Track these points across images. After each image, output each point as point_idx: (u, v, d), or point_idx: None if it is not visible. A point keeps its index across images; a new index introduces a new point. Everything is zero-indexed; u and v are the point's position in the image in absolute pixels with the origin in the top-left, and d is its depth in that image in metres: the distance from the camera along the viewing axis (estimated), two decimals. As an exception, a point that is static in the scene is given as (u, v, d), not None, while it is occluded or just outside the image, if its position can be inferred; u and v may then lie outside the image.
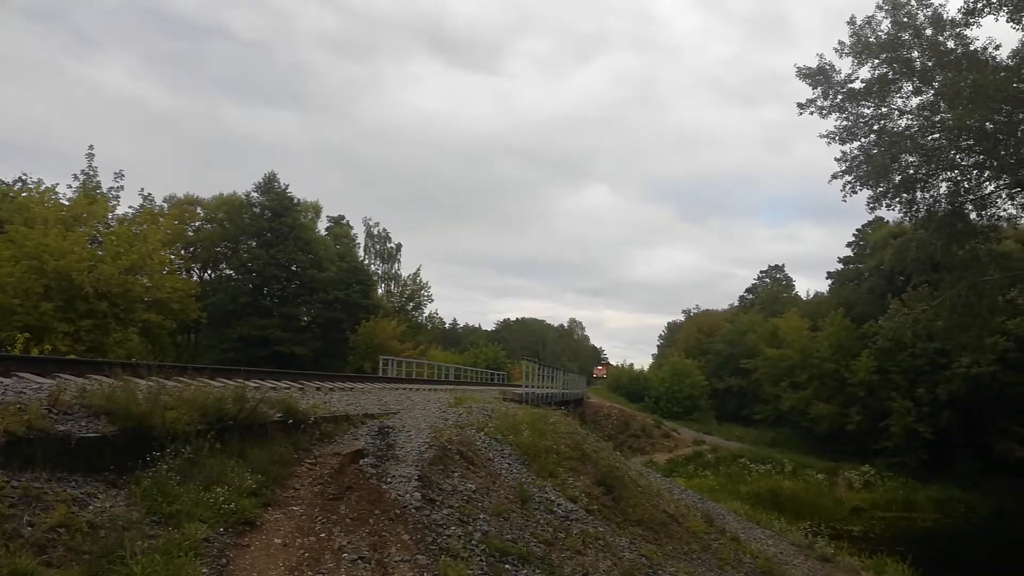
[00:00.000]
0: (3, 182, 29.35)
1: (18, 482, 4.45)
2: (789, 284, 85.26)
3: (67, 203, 26.04)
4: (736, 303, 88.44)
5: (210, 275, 48.66)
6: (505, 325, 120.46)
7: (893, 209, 29.14)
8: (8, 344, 17.62)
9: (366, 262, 62.00)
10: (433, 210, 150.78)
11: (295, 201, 48.95)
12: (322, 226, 57.62)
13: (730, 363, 66.29)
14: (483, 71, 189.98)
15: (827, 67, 27.56)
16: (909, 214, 29.20)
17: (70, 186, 27.89)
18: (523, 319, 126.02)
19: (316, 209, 57.19)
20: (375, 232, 67.42)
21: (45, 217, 23.41)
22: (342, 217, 61.35)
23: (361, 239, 64.82)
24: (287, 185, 47.82)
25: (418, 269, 67.32)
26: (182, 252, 42.61)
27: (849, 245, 63.47)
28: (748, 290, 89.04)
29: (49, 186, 26.54)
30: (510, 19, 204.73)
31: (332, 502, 6.48)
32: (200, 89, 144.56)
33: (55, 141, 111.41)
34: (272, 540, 5.49)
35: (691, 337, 78.66)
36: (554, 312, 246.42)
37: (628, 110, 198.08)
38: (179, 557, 4.51)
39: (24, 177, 28.39)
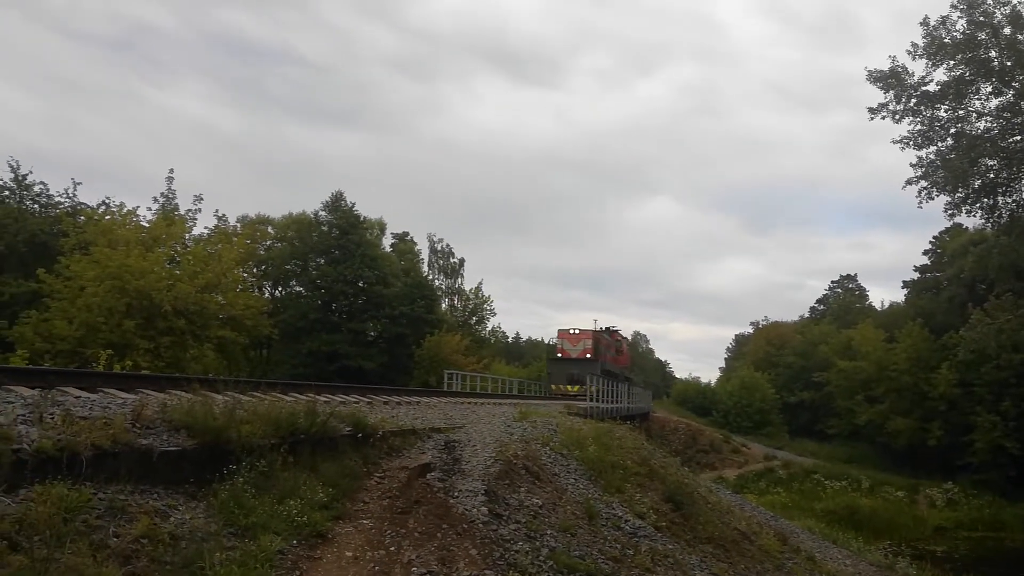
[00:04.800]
0: (88, 206, 30.82)
1: (104, 494, 4.64)
2: (862, 294, 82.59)
3: (147, 225, 27.18)
4: (807, 314, 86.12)
5: (281, 292, 50.02)
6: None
7: (973, 215, 28.14)
8: (93, 361, 18.41)
9: (430, 277, 62.78)
10: (495, 224, 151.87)
11: (361, 219, 49.98)
12: (387, 242, 58.72)
13: (802, 376, 64.51)
14: (544, 86, 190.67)
15: (899, 70, 26.80)
16: (991, 220, 28.08)
17: (150, 208, 29.14)
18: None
19: (381, 226, 58.32)
20: (438, 248, 68.30)
21: (127, 239, 24.44)
22: (406, 233, 62.41)
23: (425, 255, 65.74)
24: (353, 203, 48.92)
25: (480, 283, 67.78)
26: (254, 270, 43.94)
27: (926, 253, 61.21)
28: (819, 301, 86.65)
29: (130, 209, 27.77)
30: (571, 34, 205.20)
31: (401, 516, 6.55)
32: (268, 112, 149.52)
33: (135, 166, 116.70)
34: (343, 553, 5.58)
35: (760, 349, 76.89)
36: (618, 325, 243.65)
37: (691, 120, 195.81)
38: (255, 568, 4.63)
39: (107, 200, 29.76)
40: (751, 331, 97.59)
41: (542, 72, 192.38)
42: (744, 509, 18.23)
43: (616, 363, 47.12)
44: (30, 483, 4.28)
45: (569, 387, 36.90)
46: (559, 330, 42.74)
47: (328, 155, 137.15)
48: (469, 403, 17.12)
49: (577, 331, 40.54)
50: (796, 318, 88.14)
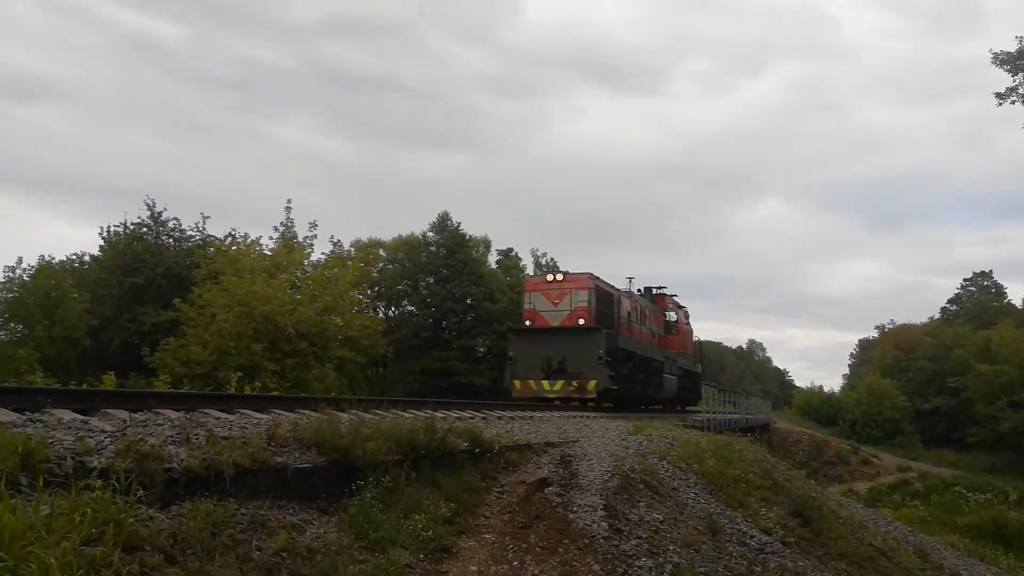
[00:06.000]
0: (216, 238, 32.92)
1: (246, 510, 4.92)
2: (1000, 291, 76.51)
3: (269, 253, 28.76)
4: (937, 315, 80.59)
5: (394, 312, 51.55)
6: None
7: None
8: (225, 383, 19.58)
9: (537, 292, 62.89)
10: (599, 236, 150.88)
11: (467, 237, 50.95)
12: (492, 259, 59.47)
13: (935, 381, 60.54)
14: (645, 94, 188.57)
15: (1030, 49, 24.86)
16: None
17: (271, 237, 30.84)
18: (698, 342, 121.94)
19: (486, 243, 59.13)
20: (543, 262, 68.48)
21: (252, 267, 25.97)
22: (511, 249, 62.88)
23: (530, 269, 66.08)
24: (459, 223, 49.97)
25: (587, 296, 67.27)
26: (368, 292, 45.56)
27: (1072, 243, 56.23)
28: (951, 300, 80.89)
29: (254, 239, 29.49)
30: (671, 41, 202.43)
31: (521, 530, 6.61)
32: (376, 139, 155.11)
33: (254, 197, 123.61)
34: (468, 567, 5.68)
35: (887, 354, 72.68)
36: (732, 334, 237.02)
37: (800, 118, 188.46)
38: (386, 582, 4.79)
39: (233, 232, 31.72)
40: (876, 335, 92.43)
41: (643, 80, 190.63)
42: (879, 524, 17.23)
43: (664, 344, 29.06)
44: (181, 500, 4.61)
45: (546, 383, 20.78)
46: (526, 278, 26.22)
47: (434, 177, 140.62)
48: (581, 417, 17.04)
49: (560, 277, 22.17)
50: (926, 320, 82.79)
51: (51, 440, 4.58)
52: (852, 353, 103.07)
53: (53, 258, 32.45)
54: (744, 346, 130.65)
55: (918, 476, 42.83)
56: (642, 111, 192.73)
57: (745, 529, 9.28)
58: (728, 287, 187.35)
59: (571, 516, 7.06)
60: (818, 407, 65.86)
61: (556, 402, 20.47)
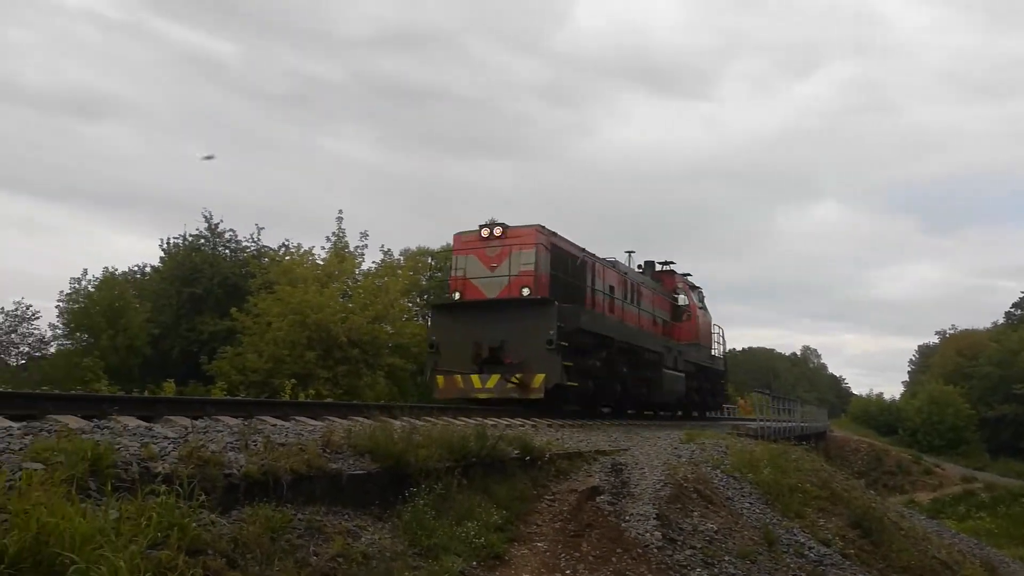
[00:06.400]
0: (270, 248, 33.62)
1: (303, 515, 5.02)
2: (1070, 294, 73.56)
3: (322, 263, 29.26)
4: (1002, 320, 77.74)
5: (442, 319, 51.93)
6: (731, 355, 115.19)
7: None
8: (280, 390, 19.97)
9: (585, 299, 62.63)
10: (648, 240, 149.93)
11: (515, 245, 51.14)
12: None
13: (1000, 388, 58.33)
14: (693, 97, 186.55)
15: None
16: None
17: (323, 247, 31.36)
18: (750, 348, 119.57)
19: (535, 250, 59.27)
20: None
21: (305, 276, 26.46)
22: (560, 256, 62.95)
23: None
24: (507, 229, 50.18)
25: (637, 302, 66.70)
26: (418, 299, 45.99)
27: None
28: (1016, 304, 77.96)
29: (307, 249, 30.03)
30: (719, 43, 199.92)
31: (573, 539, 6.58)
32: (427, 149, 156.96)
33: (309, 208, 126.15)
34: (520, 575, 5.68)
35: (949, 361, 70.32)
36: (785, 340, 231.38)
37: (855, 119, 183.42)
38: (440, 588, 4.83)
39: (287, 242, 32.35)
40: (937, 341, 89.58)
41: (691, 84, 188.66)
42: (943, 536, 16.69)
43: (669, 332, 23.22)
44: (241, 505, 4.72)
45: (475, 378, 15.17)
46: (455, 235, 17.01)
47: (483, 185, 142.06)
48: (632, 425, 16.92)
49: (498, 231, 15.83)
50: (989, 325, 79.94)
51: (118, 446, 4.74)
52: (911, 359, 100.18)
53: (116, 269, 33.55)
54: (798, 352, 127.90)
55: (984, 487, 41.37)
56: (691, 114, 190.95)
57: (803, 540, 9.09)
58: (781, 292, 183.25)
59: (623, 525, 7.01)
60: (876, 415, 64.14)
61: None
